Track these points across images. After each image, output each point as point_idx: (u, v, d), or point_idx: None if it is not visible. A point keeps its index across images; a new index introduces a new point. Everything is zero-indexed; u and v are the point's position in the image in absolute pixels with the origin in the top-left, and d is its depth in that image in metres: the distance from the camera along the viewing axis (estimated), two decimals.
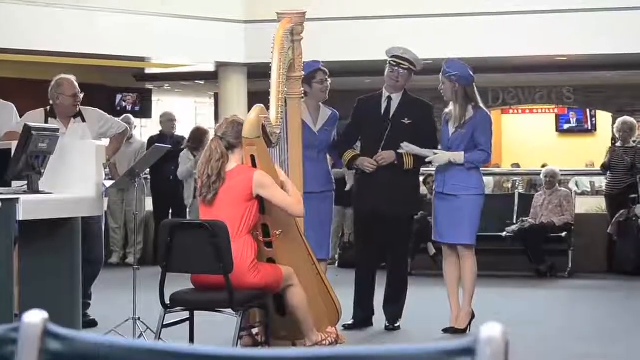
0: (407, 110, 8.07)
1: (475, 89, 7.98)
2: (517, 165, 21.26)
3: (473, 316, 7.88)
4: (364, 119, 8.13)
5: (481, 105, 8.04)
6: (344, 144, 8.16)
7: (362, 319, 8.10)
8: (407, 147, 7.90)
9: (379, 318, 8.11)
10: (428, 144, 7.99)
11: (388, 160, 7.94)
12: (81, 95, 8.02)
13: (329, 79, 8.03)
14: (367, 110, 8.15)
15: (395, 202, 7.96)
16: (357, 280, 8.22)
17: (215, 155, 6.25)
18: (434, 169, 8.28)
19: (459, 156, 7.84)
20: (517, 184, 16.92)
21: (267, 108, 6.67)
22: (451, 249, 8.02)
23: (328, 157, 8.27)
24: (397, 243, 8.19)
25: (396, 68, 8.03)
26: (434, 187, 8.25)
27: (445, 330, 7.87)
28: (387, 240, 8.13)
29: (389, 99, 8.12)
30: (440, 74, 7.94)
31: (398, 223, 8.08)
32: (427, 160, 7.95)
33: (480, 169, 8.11)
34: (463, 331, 7.78)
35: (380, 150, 7.98)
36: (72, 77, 8.07)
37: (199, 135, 12.61)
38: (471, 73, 7.94)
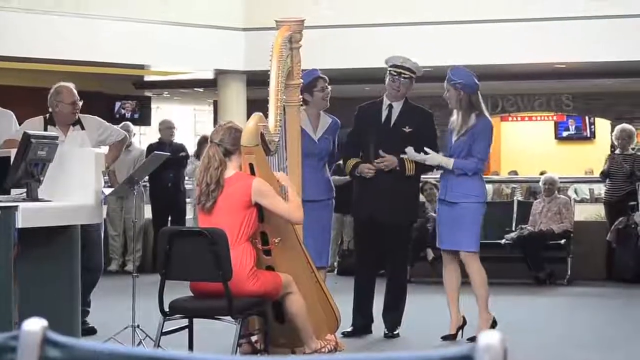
0: (407, 118, 8.08)
1: (480, 97, 7.97)
2: (515, 173, 21.26)
3: (495, 322, 7.86)
4: (365, 127, 8.13)
5: (486, 113, 8.02)
6: (348, 152, 8.17)
7: (362, 326, 8.10)
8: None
9: (378, 325, 8.11)
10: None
11: (390, 165, 7.94)
12: (80, 103, 8.02)
13: (329, 86, 8.04)
14: (367, 118, 8.16)
15: (394, 209, 7.96)
16: (356, 287, 8.22)
17: (214, 163, 6.24)
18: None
19: (449, 161, 7.85)
20: (515, 191, 16.93)
21: (266, 116, 6.67)
22: (451, 256, 8.01)
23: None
24: (397, 250, 8.19)
25: (397, 77, 8.03)
26: (438, 194, 8.23)
27: (445, 338, 7.86)
28: (387, 247, 8.13)
29: (390, 107, 8.12)
30: (445, 81, 7.93)
31: (397, 230, 8.09)
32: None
33: (483, 176, 8.12)
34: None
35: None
36: (71, 85, 8.08)
37: (206, 144, 12.60)
38: (476, 81, 7.94)
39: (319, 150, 7.89)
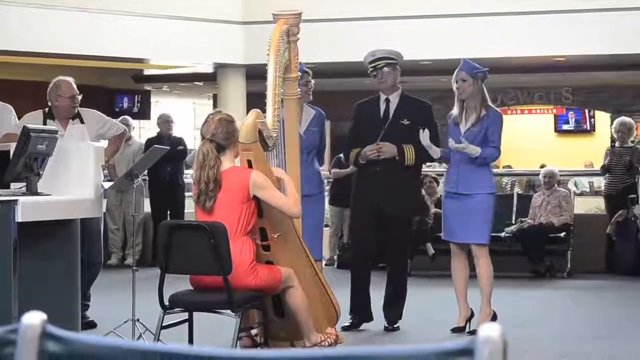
0: (406, 110, 8.08)
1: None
2: (509, 167, 21.24)
3: (495, 317, 7.87)
4: (364, 123, 8.12)
5: (490, 103, 8.03)
6: (349, 148, 8.15)
7: (360, 319, 8.09)
8: (423, 140, 7.82)
9: (379, 319, 8.11)
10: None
11: (388, 153, 7.91)
12: (79, 97, 8.03)
13: (312, 80, 8.04)
14: (366, 114, 8.16)
15: (396, 203, 7.95)
16: (352, 280, 8.19)
17: (210, 162, 6.17)
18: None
19: (475, 150, 7.79)
20: (514, 184, 16.92)
21: (264, 110, 6.66)
22: (460, 248, 8.00)
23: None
24: (397, 244, 8.18)
25: (375, 71, 8.05)
26: (445, 187, 8.19)
27: (454, 330, 7.86)
28: (388, 240, 8.12)
29: (387, 100, 8.12)
30: (462, 72, 7.88)
31: (399, 223, 8.08)
32: (454, 147, 7.82)
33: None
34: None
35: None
36: (71, 79, 8.08)
37: None
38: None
39: (307, 144, 7.84)
